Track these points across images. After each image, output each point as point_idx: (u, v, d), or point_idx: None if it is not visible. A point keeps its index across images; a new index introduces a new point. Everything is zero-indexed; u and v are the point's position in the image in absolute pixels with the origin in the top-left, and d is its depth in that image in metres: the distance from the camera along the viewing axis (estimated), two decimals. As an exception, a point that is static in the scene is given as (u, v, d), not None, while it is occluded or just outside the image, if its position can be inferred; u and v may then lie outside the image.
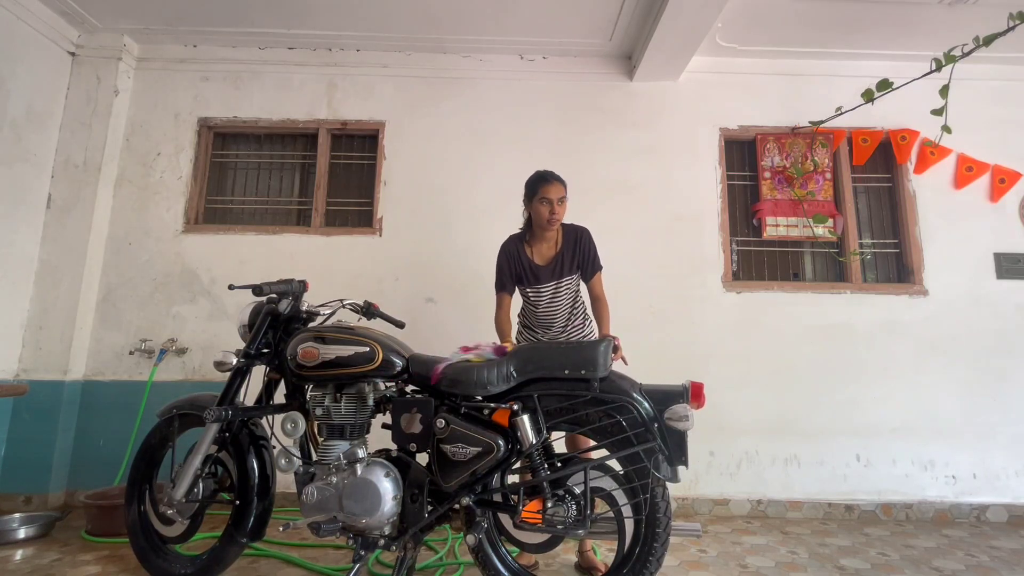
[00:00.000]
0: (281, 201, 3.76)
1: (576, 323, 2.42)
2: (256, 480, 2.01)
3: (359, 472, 1.83)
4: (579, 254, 2.36)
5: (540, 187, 2.28)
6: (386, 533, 1.84)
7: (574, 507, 1.75)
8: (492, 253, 3.51)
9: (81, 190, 3.42)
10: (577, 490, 1.75)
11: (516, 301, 2.48)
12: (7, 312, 3.18)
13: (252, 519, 1.97)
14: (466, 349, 1.93)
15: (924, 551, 2.63)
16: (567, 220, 2.39)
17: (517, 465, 1.86)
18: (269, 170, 3.80)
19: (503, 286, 2.40)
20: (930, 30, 3.40)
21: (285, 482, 2.24)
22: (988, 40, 2.74)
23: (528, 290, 2.40)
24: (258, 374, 2.12)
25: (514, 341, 2.41)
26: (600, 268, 2.40)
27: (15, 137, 3.21)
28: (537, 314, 2.41)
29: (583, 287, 2.45)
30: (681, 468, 1.72)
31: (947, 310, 3.46)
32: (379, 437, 2.04)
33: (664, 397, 1.74)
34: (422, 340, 2.69)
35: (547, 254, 2.38)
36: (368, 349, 1.89)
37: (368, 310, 2.23)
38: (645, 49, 3.39)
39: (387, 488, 1.81)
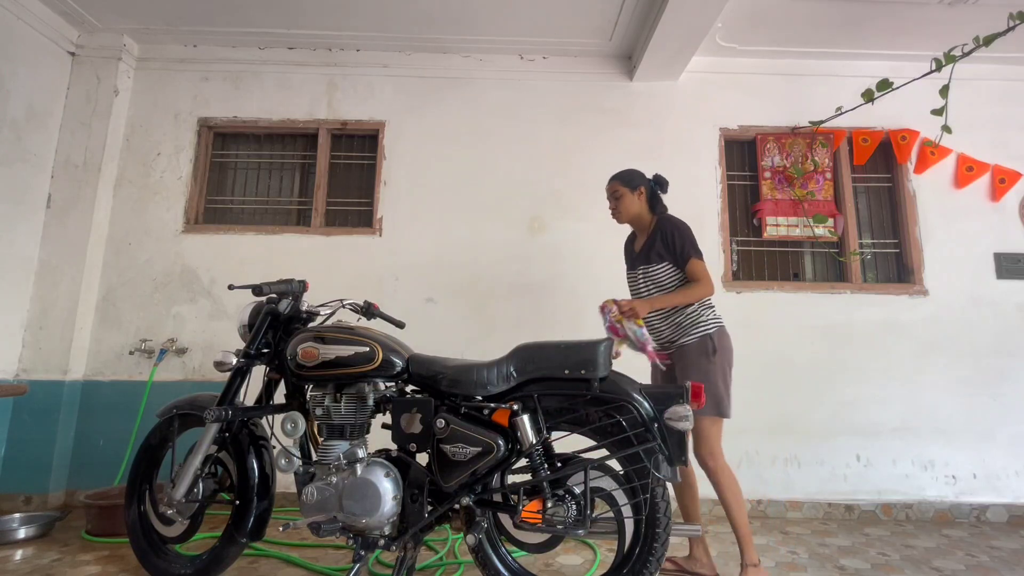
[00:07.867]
0: (281, 201, 3.75)
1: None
2: (256, 480, 2.01)
3: (359, 472, 1.83)
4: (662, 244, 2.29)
5: None
6: (386, 533, 1.84)
7: (574, 507, 1.74)
8: (492, 253, 3.57)
9: (81, 190, 3.42)
10: (577, 490, 1.75)
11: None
12: (7, 312, 3.18)
13: (252, 519, 1.97)
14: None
15: (924, 551, 2.63)
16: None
17: (517, 465, 1.86)
18: (269, 170, 3.80)
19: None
20: (930, 30, 3.40)
21: (285, 482, 2.25)
22: (988, 40, 2.75)
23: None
24: (258, 374, 2.13)
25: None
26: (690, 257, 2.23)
27: (15, 137, 3.21)
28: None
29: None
30: (681, 468, 1.72)
31: (947, 310, 3.45)
32: (379, 437, 2.05)
33: (664, 397, 1.73)
34: (422, 340, 2.70)
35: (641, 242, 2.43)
36: (368, 349, 1.89)
37: (368, 310, 2.23)
38: (645, 49, 3.39)
39: (387, 488, 1.81)
